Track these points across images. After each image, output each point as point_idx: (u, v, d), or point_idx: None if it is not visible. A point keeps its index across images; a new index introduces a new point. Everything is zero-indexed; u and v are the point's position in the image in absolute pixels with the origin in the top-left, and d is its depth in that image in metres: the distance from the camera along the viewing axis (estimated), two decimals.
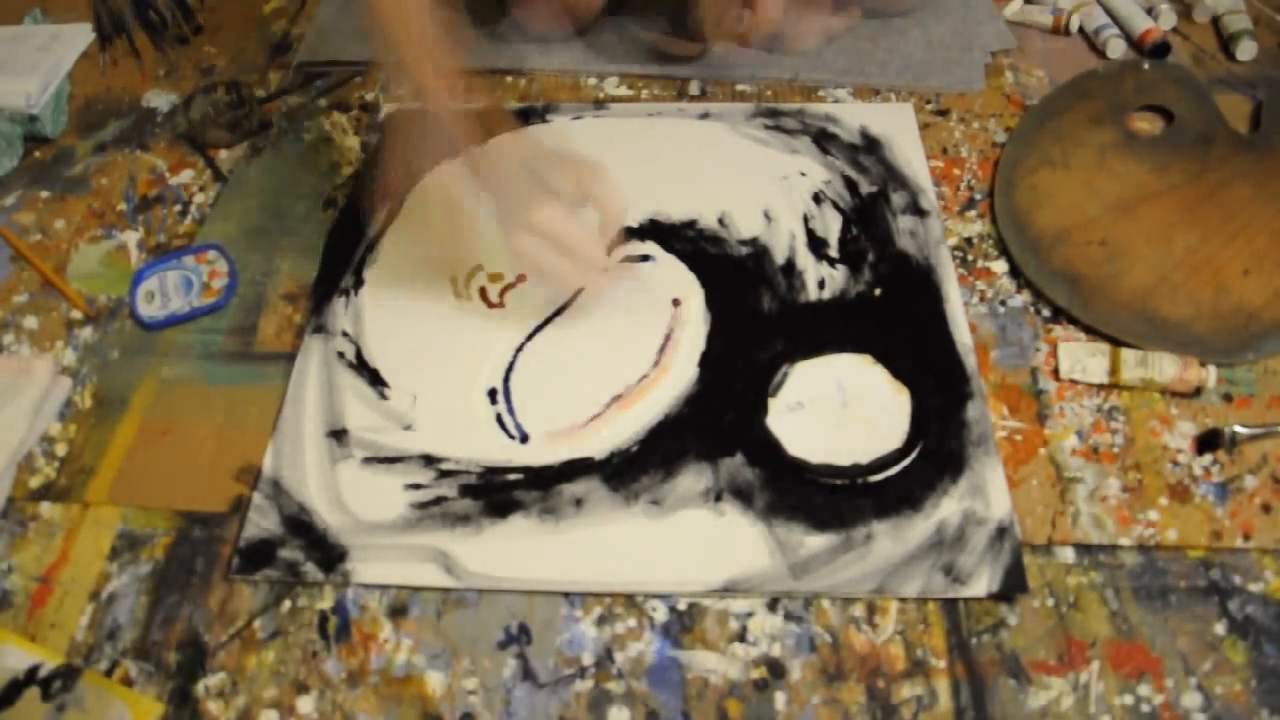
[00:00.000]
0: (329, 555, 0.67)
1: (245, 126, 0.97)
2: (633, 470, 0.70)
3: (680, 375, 0.75)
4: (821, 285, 0.80)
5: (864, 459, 0.69)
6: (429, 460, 0.71)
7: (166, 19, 1.11)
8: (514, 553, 0.66)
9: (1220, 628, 0.62)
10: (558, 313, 0.79)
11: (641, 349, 0.77)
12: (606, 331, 0.78)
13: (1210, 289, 0.77)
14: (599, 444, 0.71)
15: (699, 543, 0.66)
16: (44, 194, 0.95)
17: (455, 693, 0.61)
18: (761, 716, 0.60)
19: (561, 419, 0.73)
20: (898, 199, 0.86)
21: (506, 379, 0.75)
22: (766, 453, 0.70)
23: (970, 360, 0.74)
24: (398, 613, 0.65)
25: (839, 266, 0.81)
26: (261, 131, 0.98)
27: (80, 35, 1.11)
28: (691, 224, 0.86)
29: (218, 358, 0.80)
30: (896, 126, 0.93)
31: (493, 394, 0.75)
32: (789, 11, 0.97)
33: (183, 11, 1.11)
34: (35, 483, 0.73)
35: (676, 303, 0.79)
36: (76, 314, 0.84)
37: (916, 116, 0.95)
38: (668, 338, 0.77)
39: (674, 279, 0.81)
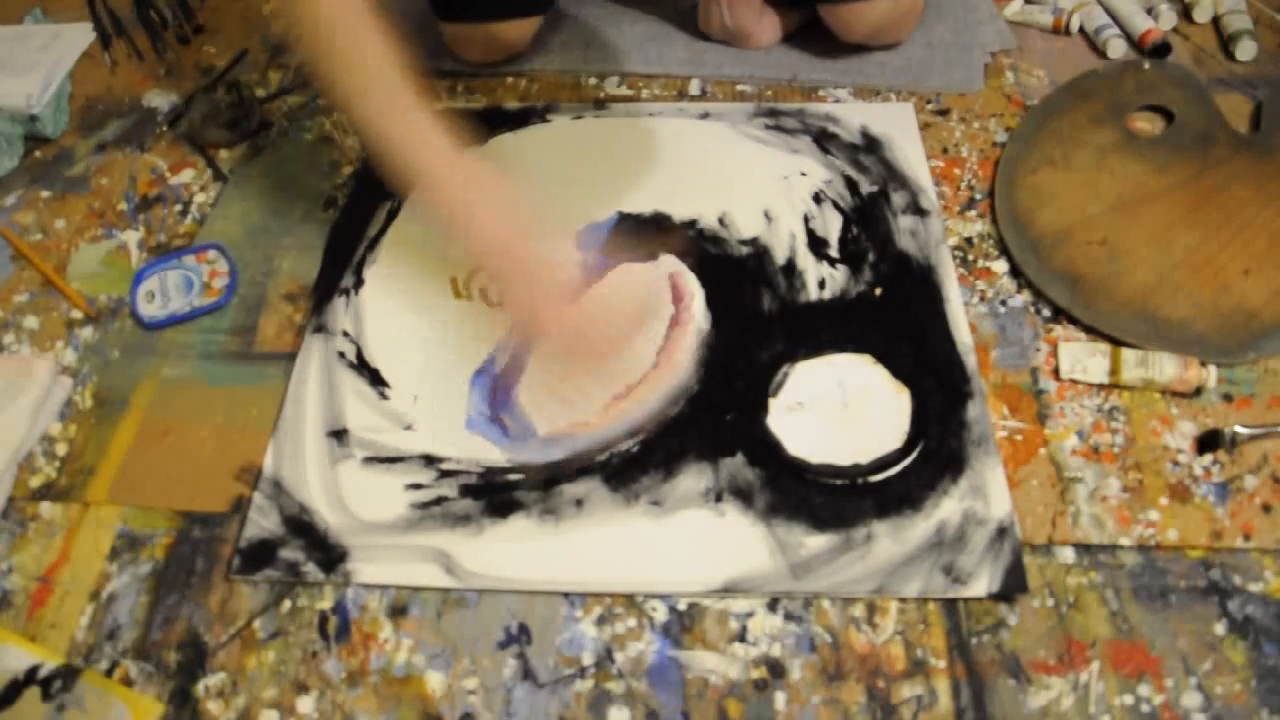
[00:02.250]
0: (329, 555, 0.67)
1: (245, 126, 0.97)
2: (633, 470, 0.70)
3: (681, 374, 0.75)
4: (822, 285, 0.80)
5: (864, 459, 0.69)
6: (429, 460, 0.71)
7: (167, 19, 1.11)
8: (514, 553, 0.66)
9: (1220, 628, 0.62)
10: None
11: (642, 348, 0.76)
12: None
13: (1210, 289, 0.77)
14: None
15: (699, 543, 0.66)
16: (44, 194, 0.95)
17: (455, 693, 0.61)
18: (761, 716, 0.60)
19: (562, 417, 0.73)
20: (898, 199, 0.86)
21: (507, 377, 0.75)
22: (767, 453, 0.70)
23: (970, 360, 0.74)
24: (398, 613, 0.65)
25: (839, 266, 0.81)
26: (261, 131, 0.98)
27: (81, 35, 1.11)
28: (692, 224, 0.86)
29: (218, 358, 0.80)
30: (897, 126, 0.93)
31: (493, 393, 0.75)
32: (752, 10, 0.98)
33: (183, 11, 1.11)
34: (36, 482, 0.73)
35: (677, 291, 0.80)
36: (77, 314, 0.84)
37: (917, 116, 0.95)
38: (668, 338, 0.77)
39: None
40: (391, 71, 0.68)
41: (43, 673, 0.62)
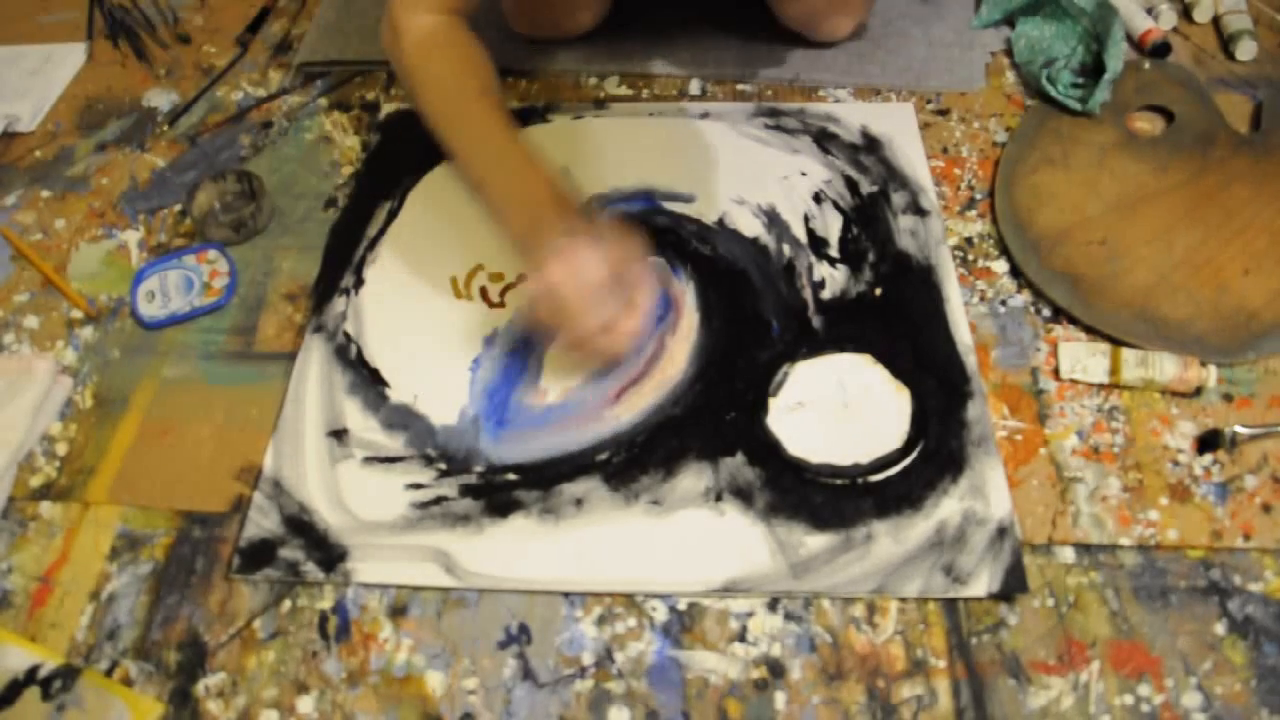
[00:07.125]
0: (329, 555, 0.67)
1: (250, 227, 0.88)
2: (633, 470, 0.70)
3: (680, 374, 0.75)
4: (822, 285, 0.80)
5: (864, 459, 0.69)
6: (429, 460, 0.71)
7: (154, 21, 1.11)
8: (514, 553, 0.66)
9: (1220, 628, 0.62)
10: None
11: (641, 347, 0.76)
12: None
13: (1210, 289, 0.77)
14: (597, 440, 0.71)
15: (699, 543, 0.66)
16: (44, 193, 0.95)
17: (455, 693, 0.61)
18: (761, 716, 0.60)
19: (562, 412, 0.73)
20: (898, 199, 0.86)
21: (505, 372, 0.76)
22: (767, 453, 0.70)
23: (970, 360, 0.74)
24: (398, 613, 0.65)
25: (839, 266, 0.81)
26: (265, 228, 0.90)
27: (73, 56, 1.10)
28: (693, 223, 0.85)
29: (218, 357, 0.80)
30: (897, 126, 0.93)
31: (492, 392, 0.75)
32: None
33: (173, 18, 1.11)
34: (36, 482, 0.73)
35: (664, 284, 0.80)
36: (77, 313, 0.84)
37: (917, 116, 0.94)
38: (667, 336, 0.77)
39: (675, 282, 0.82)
40: (485, 109, 0.73)
41: (43, 673, 0.62)
